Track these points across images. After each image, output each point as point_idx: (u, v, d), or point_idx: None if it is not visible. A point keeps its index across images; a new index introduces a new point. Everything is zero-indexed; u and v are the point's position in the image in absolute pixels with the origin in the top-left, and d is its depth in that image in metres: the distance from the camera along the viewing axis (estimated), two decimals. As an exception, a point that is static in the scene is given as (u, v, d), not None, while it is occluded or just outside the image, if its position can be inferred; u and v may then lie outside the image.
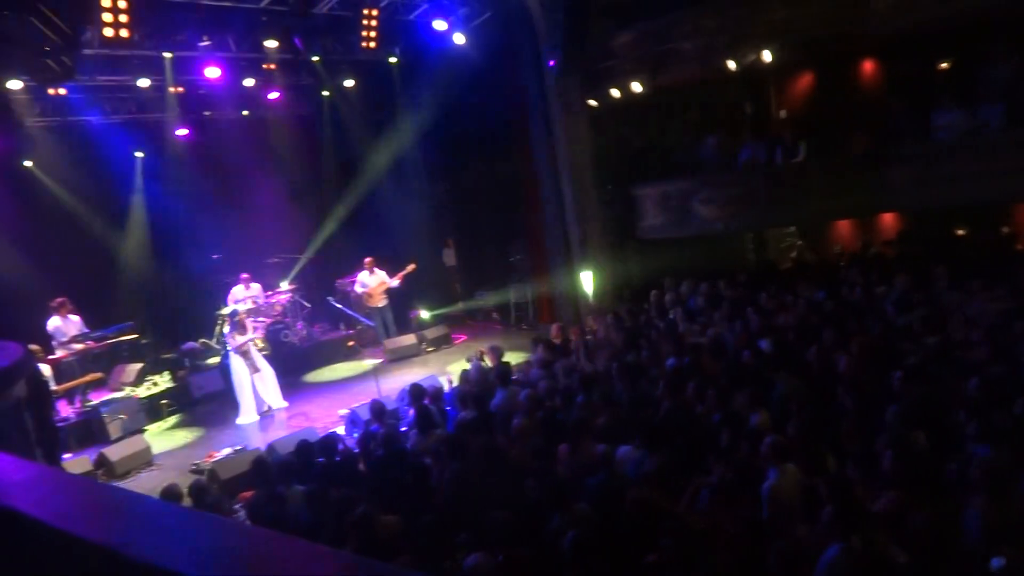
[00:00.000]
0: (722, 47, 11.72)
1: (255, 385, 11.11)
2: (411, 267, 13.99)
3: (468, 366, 9.48)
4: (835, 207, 11.65)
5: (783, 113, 14.05)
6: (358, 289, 14.19)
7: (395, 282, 14.03)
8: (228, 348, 11.43)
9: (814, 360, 7.22)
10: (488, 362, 9.43)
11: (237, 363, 11.07)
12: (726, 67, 11.88)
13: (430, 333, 14.38)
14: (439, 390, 9.46)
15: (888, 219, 13.69)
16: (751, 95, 14.19)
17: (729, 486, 4.95)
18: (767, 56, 11.61)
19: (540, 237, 14.57)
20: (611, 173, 13.28)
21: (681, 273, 11.97)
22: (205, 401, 12.33)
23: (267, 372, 11.27)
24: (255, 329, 11.55)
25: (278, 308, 14.22)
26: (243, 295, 13.52)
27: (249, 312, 12.46)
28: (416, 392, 8.33)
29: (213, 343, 13.65)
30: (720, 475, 5.14)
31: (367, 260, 14.06)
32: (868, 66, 13.03)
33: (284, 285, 14.48)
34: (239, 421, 11.03)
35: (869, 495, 4.49)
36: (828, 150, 11.81)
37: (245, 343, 11.08)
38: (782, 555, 3.97)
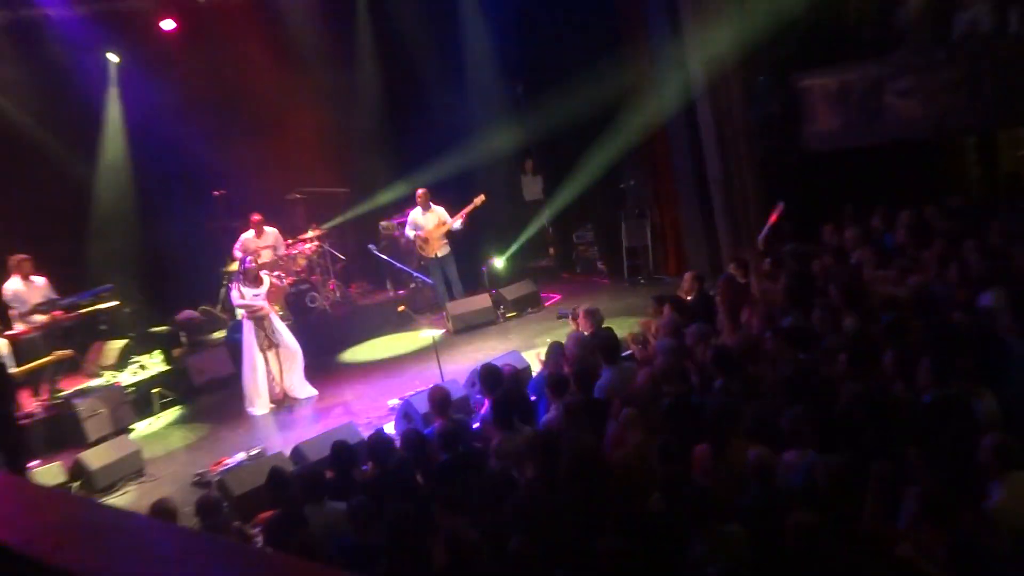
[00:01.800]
0: None
1: (270, 365, 11.40)
2: (479, 200, 14.06)
3: (559, 335, 9.54)
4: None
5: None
6: (409, 233, 14.36)
7: (458, 222, 14.12)
8: (237, 314, 11.73)
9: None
10: (582, 329, 9.48)
11: (248, 333, 11.35)
12: None
13: (510, 292, 14.48)
14: (524, 371, 9.49)
15: None
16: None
17: (940, 499, 4.81)
18: None
19: (662, 154, 14.46)
20: (764, 59, 13.04)
21: (868, 198, 11.79)
22: (210, 389, 12.72)
23: (291, 348, 11.52)
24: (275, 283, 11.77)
25: (302, 262, 14.48)
26: (255, 245, 13.81)
27: (263, 266, 12.71)
28: (491, 375, 8.39)
29: (218, 311, 14.04)
30: (928, 484, 5.00)
31: (420, 192, 14.18)
32: None
33: (311, 232, 14.74)
34: (252, 410, 11.37)
35: None
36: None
37: (257, 305, 11.31)
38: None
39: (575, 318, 9.83)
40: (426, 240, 14.17)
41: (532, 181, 17.16)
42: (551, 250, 17.37)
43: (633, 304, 12.97)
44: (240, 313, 11.54)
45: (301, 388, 11.64)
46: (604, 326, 9.51)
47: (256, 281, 11.36)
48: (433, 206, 14.21)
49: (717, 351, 7.73)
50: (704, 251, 13.84)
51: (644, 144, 14.67)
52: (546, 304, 14.62)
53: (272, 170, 15.21)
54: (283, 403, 11.52)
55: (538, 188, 17.11)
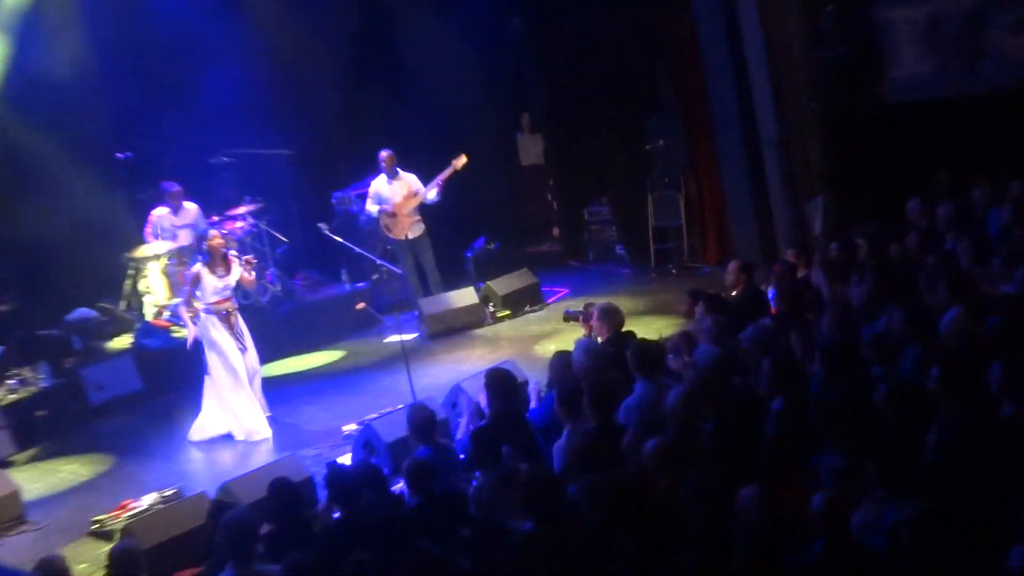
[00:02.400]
0: None
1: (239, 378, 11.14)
2: (460, 162, 13.93)
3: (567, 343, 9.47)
4: None
5: None
6: (371, 209, 14.26)
7: (433, 192, 14.05)
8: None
9: None
10: (596, 334, 9.42)
11: (216, 331, 11.06)
12: None
13: (502, 285, 14.44)
14: (521, 387, 9.37)
15: None
16: None
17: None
18: None
19: (701, 108, 14.40)
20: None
21: (967, 165, 11.79)
22: (111, 409, 12.59)
23: (256, 359, 11.41)
24: (244, 267, 11.42)
25: (230, 244, 14.34)
26: (171, 224, 13.71)
27: (177, 256, 12.71)
28: (502, 381, 8.33)
29: (121, 309, 13.92)
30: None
31: (384, 155, 14.08)
32: None
33: (242, 207, 14.65)
34: (193, 435, 11.25)
35: None
36: None
37: (225, 297, 11.08)
38: None
39: (587, 319, 9.73)
40: (393, 217, 14.07)
41: (531, 141, 17.12)
42: (556, 230, 17.34)
43: (662, 301, 12.94)
44: (203, 306, 11.18)
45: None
46: (624, 330, 9.40)
47: (224, 264, 11.18)
48: (402, 173, 14.12)
49: (777, 363, 7.62)
50: (754, 233, 13.81)
51: (677, 95, 14.63)
52: (549, 301, 14.58)
53: (192, 129, 14.99)
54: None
55: (538, 150, 17.06)
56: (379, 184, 14.18)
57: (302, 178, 15.96)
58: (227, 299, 11.12)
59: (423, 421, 8.01)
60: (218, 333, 11.02)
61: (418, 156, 14.40)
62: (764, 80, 13.10)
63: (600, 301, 10.09)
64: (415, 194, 14.06)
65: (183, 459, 11.06)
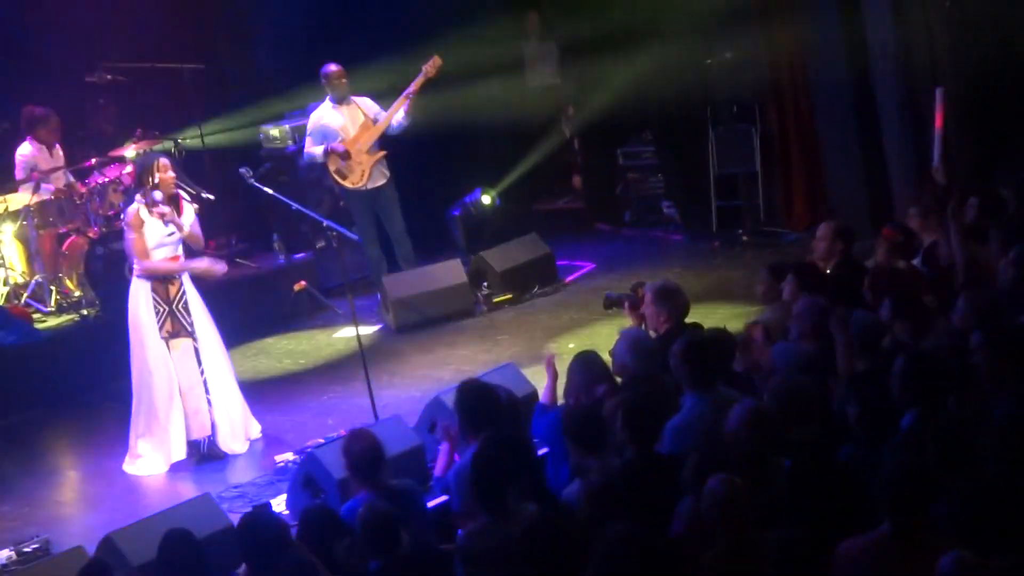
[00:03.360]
0: None
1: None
2: (432, 66, 13.95)
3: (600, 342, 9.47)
4: None
5: None
6: (313, 150, 14.29)
7: (399, 115, 14.07)
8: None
9: None
10: (650, 325, 9.43)
11: (143, 310, 11.08)
12: None
13: (500, 257, 14.60)
14: (525, 401, 9.44)
15: None
16: None
17: None
18: None
19: (784, 8, 14.45)
20: None
21: None
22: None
23: (210, 344, 11.35)
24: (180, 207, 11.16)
25: (115, 198, 14.46)
26: (46, 163, 13.96)
27: (38, 213, 12.81)
28: (481, 399, 8.32)
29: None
30: None
31: (331, 70, 14.07)
32: None
33: (132, 146, 14.73)
34: (134, 466, 11.20)
35: None
36: None
37: (171, 256, 11.01)
38: None
39: (636, 305, 9.72)
40: (345, 158, 14.07)
41: (541, 52, 17.17)
42: (576, 180, 17.37)
43: (727, 280, 12.97)
44: (135, 270, 11.13)
45: (248, 427, 11.54)
46: (689, 321, 9.44)
47: (173, 204, 11.06)
48: (354, 99, 14.22)
49: (909, 364, 7.63)
50: (857, 186, 13.97)
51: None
52: (567, 280, 14.72)
53: (62, 33, 15.17)
54: (207, 451, 11.30)
55: (551, 65, 17.12)
56: (323, 113, 14.23)
57: (217, 104, 16.01)
58: (173, 257, 11.05)
59: (362, 453, 8.07)
60: (148, 312, 10.98)
61: (380, 79, 14.44)
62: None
63: (653, 280, 10.00)
64: (374, 122, 14.10)
65: (51, 500, 11.09)
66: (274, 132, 15.72)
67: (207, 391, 11.08)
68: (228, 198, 15.53)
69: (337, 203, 14.61)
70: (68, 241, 13.88)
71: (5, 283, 13.84)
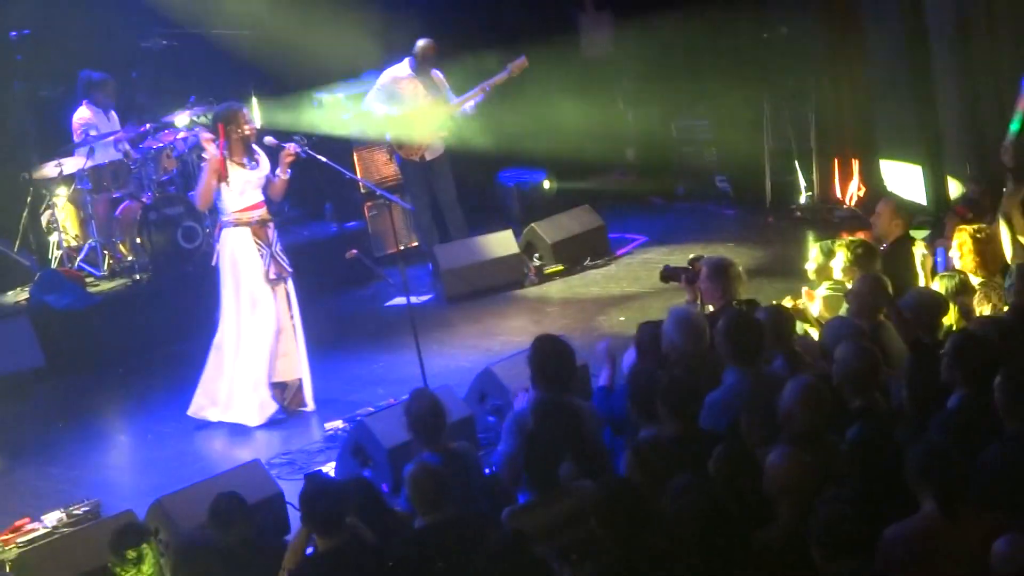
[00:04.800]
0: None
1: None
2: (519, 66, 13.98)
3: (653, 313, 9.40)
4: None
5: None
6: (375, 106, 14.20)
7: (471, 104, 14.10)
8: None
9: None
10: (705, 299, 9.39)
11: (233, 266, 11.07)
12: None
13: (552, 229, 14.56)
14: (576, 366, 9.42)
15: None
16: None
17: None
18: None
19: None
20: None
21: None
22: (0, 392, 12.63)
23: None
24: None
25: (168, 164, 14.56)
26: (103, 127, 13.95)
27: (93, 177, 12.84)
28: (553, 354, 8.26)
29: (15, 251, 14.12)
30: None
31: (424, 43, 14.02)
32: None
33: (182, 117, 14.77)
34: (192, 409, 11.24)
35: None
36: None
37: (253, 206, 11.08)
38: None
39: (691, 279, 9.64)
40: (408, 127, 14.05)
41: (596, 23, 17.11)
42: (630, 153, 17.32)
43: (780, 257, 12.92)
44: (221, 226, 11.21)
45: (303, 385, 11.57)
46: (746, 299, 9.37)
47: (251, 154, 11.15)
48: (434, 72, 14.18)
49: (959, 338, 7.55)
50: (912, 162, 13.80)
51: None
52: (620, 252, 14.66)
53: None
54: (292, 398, 11.44)
55: (605, 36, 17.06)
56: (399, 75, 14.15)
57: (270, 71, 15.97)
58: (258, 204, 11.15)
59: (427, 414, 8.00)
60: (253, 256, 11.00)
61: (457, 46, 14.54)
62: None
63: (712, 254, 9.95)
64: (449, 103, 14.09)
65: (101, 462, 11.14)
66: (329, 100, 15.62)
67: (295, 335, 11.31)
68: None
69: (385, 176, 14.58)
70: (122, 206, 13.86)
71: (59, 247, 13.92)
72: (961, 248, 9.66)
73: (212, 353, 11.20)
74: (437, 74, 14.20)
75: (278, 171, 11.08)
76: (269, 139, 11.50)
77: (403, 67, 14.14)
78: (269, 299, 11.03)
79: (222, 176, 10.81)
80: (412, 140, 14.13)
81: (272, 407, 11.12)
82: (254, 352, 11.03)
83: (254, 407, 11.10)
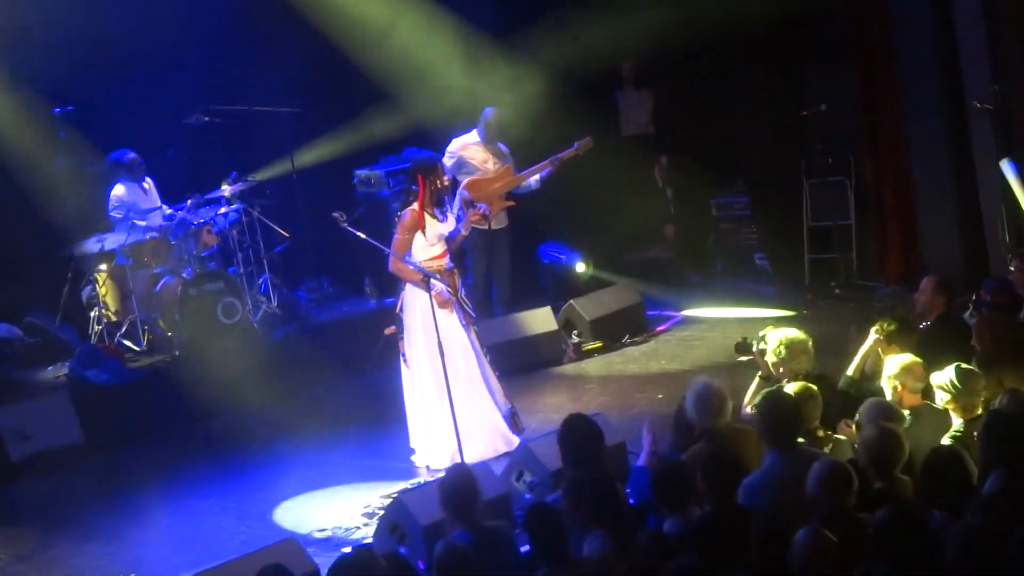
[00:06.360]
0: None
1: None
2: (586, 145, 14.08)
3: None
4: None
5: None
6: (450, 163, 14.00)
7: (535, 179, 14.13)
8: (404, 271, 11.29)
9: None
10: (776, 372, 9.46)
11: (423, 312, 11.14)
12: None
13: (591, 305, 14.57)
14: (616, 450, 9.37)
15: None
16: None
17: None
18: None
19: (882, 57, 14.37)
20: None
21: None
22: (38, 468, 12.73)
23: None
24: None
25: (208, 240, 14.63)
26: (144, 202, 14.09)
27: (134, 253, 12.95)
28: (582, 436, 8.30)
29: (56, 324, 14.18)
30: None
31: (493, 112, 14.14)
32: None
33: (225, 186, 14.83)
34: (428, 461, 11.30)
35: None
36: None
37: (438, 256, 11.22)
38: None
39: (764, 351, 9.68)
40: (479, 193, 13.71)
41: (635, 100, 17.11)
42: (669, 229, 17.29)
43: (820, 333, 12.85)
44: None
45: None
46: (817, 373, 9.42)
47: (442, 207, 11.38)
48: (500, 144, 14.25)
49: (992, 424, 7.48)
50: (957, 239, 13.79)
51: (849, 39, 14.54)
52: (658, 329, 14.65)
53: (159, 76, 15.26)
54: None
55: (646, 113, 17.06)
56: (468, 144, 14.19)
57: (311, 147, 16.06)
58: (443, 254, 11.28)
59: (461, 490, 7.95)
60: (432, 309, 10.96)
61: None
62: (976, 13, 13.06)
63: (781, 329, 9.89)
64: (513, 175, 14.11)
65: (137, 539, 11.08)
66: (368, 176, 15.66)
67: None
68: (321, 241, 15.66)
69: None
70: (161, 282, 13.90)
71: (99, 322, 13.94)
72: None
73: (416, 407, 11.40)
74: (502, 146, 14.24)
75: (462, 227, 11.26)
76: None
77: (472, 136, 14.21)
78: (467, 341, 11.24)
79: (420, 227, 11.00)
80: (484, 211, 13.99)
81: (515, 439, 11.22)
82: (475, 393, 11.26)
83: (500, 444, 11.26)
